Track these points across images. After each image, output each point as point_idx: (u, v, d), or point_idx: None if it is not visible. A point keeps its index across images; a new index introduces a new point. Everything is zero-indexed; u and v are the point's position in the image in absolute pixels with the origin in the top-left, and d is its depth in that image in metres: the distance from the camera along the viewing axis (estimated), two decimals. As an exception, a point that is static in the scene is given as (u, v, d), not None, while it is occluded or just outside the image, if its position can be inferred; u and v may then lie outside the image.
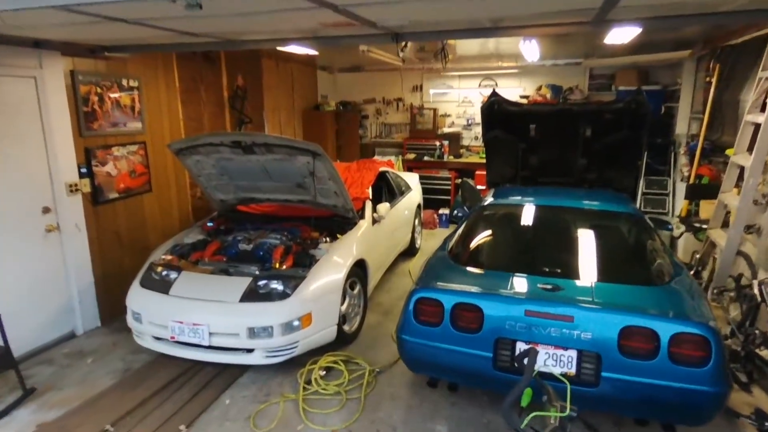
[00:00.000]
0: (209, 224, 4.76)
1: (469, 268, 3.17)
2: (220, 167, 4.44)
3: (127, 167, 4.75)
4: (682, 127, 6.61)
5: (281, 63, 7.44)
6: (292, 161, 4.12)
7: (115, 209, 4.68)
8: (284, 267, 3.92)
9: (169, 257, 4.14)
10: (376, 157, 8.97)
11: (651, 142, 6.57)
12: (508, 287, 2.82)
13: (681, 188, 6.73)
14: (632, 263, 3.20)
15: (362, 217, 4.75)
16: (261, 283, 3.67)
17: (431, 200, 8.38)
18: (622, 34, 3.70)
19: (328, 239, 4.41)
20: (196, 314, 3.52)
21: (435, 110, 8.77)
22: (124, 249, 4.79)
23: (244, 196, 4.82)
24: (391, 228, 5.40)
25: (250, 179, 4.54)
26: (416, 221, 6.62)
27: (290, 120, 7.83)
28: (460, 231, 3.82)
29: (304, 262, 3.98)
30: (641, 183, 7.01)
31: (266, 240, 4.29)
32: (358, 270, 4.34)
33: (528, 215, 3.77)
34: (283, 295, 3.60)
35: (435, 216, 8.20)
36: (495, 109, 5.22)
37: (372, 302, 4.99)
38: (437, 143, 8.68)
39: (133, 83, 4.75)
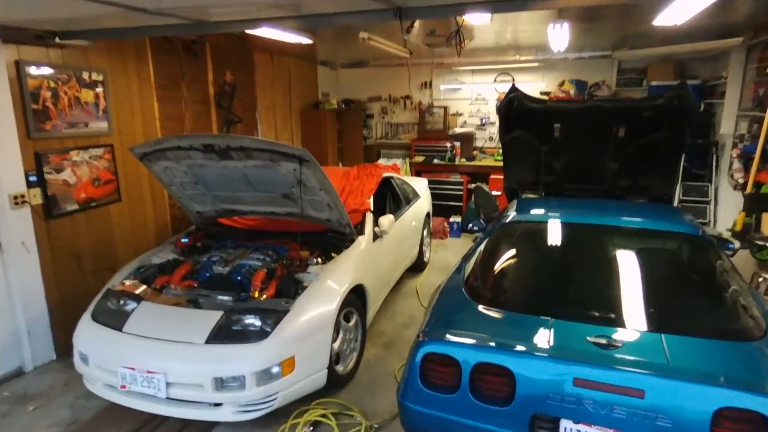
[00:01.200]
0: (183, 240, 4.09)
1: (491, 310, 2.44)
2: (193, 175, 3.77)
3: (89, 174, 4.10)
4: (727, 126, 5.83)
5: (276, 57, 6.77)
6: (276, 168, 3.44)
7: (74, 223, 4.02)
8: (264, 296, 3.23)
9: (130, 282, 3.47)
10: (381, 160, 8.29)
11: (691, 143, 5.83)
12: (548, 341, 2.10)
13: (726, 196, 5.97)
14: (710, 305, 2.46)
15: (361, 232, 4.05)
16: (234, 317, 2.99)
17: (441, 207, 7.66)
18: (685, 9, 2.95)
19: (319, 260, 3.72)
20: (151, 359, 2.84)
21: (445, 108, 8.05)
22: (86, 269, 4.13)
23: (224, 207, 4.14)
24: (395, 243, 4.69)
25: (230, 189, 3.87)
26: (425, 232, 5.91)
27: (287, 120, 7.16)
28: (478, 254, 3.10)
29: (289, 290, 3.29)
30: (678, 189, 6.27)
31: (246, 261, 3.60)
32: (355, 298, 3.64)
33: (563, 236, 3.03)
34: (260, 334, 2.91)
35: (445, 224, 7.47)
36: (514, 107, 4.50)
37: (372, 331, 4.29)
38: (448, 145, 7.95)
39: (97, 77, 4.10)
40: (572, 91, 7.20)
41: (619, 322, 2.25)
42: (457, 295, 2.65)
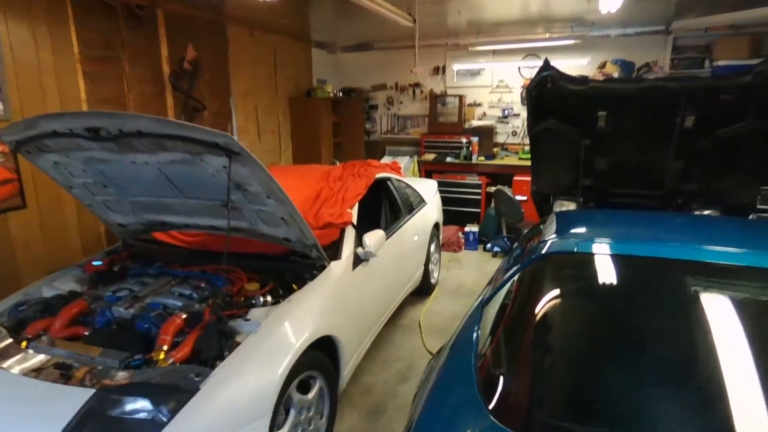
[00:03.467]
0: (95, 263, 2.99)
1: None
2: (97, 173, 2.67)
3: (-28, 172, 3.05)
4: (825, 115, 4.50)
5: (258, 33, 5.67)
6: (199, 164, 2.32)
7: (-53, 238, 2.98)
8: (171, 360, 2.11)
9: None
10: (386, 158, 7.13)
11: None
12: None
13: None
14: None
15: (337, 255, 2.91)
16: (112, 399, 1.87)
17: (455, 213, 6.49)
18: None
19: (268, 298, 2.58)
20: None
21: (461, 98, 6.84)
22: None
23: (150, 219, 3.04)
24: (389, 266, 3.54)
25: (151, 194, 2.76)
26: (432, 246, 4.74)
27: (272, 109, 6.05)
28: (500, 301, 1.94)
29: (211, 349, 2.16)
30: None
31: (160, 300, 2.50)
32: (320, 356, 2.50)
33: (651, 285, 1.82)
34: (152, 427, 1.79)
35: (460, 235, 6.28)
36: (548, 89, 3.52)
37: (353, 387, 3.15)
38: (463, 140, 6.74)
39: (-16, 40, 3.04)
40: (616, 74, 5.94)
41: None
42: (463, 391, 1.47)
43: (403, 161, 6.91)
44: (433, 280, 4.82)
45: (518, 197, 5.92)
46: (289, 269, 2.83)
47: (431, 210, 4.75)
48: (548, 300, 1.89)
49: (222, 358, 2.09)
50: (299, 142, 6.46)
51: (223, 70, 5.16)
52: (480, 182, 6.56)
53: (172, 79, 4.44)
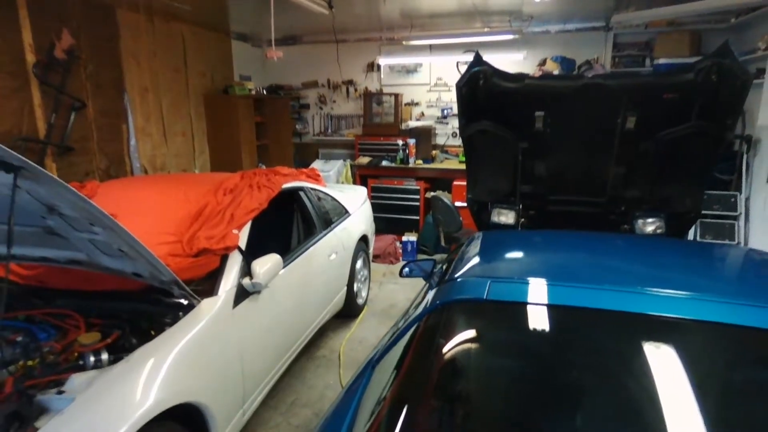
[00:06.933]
0: None
1: None
2: None
3: None
4: (767, 116, 4.30)
5: (160, 20, 4.94)
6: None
7: None
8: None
9: None
10: (316, 163, 6.54)
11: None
12: None
13: (762, 209, 4.48)
14: None
15: (212, 291, 2.31)
16: None
17: (392, 221, 6.00)
18: None
19: (104, 356, 1.95)
20: None
21: (397, 96, 6.33)
22: None
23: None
24: (292, 294, 2.97)
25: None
26: (359, 262, 4.20)
27: (180, 107, 5.33)
28: (395, 367, 1.41)
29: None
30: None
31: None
32: (175, 428, 1.89)
33: (581, 347, 1.35)
34: None
35: (397, 245, 5.79)
36: (480, 86, 3.22)
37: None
38: (400, 142, 6.24)
39: None
40: (557, 71, 5.61)
41: None
42: None
43: (336, 165, 6.35)
44: (360, 301, 4.28)
45: (458, 204, 5.47)
46: (147, 311, 2.20)
47: (357, 222, 4.21)
48: (453, 366, 1.37)
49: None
50: (217, 146, 5.77)
51: (113, 62, 4.42)
52: (418, 187, 6.09)
53: (38, 71, 3.68)
